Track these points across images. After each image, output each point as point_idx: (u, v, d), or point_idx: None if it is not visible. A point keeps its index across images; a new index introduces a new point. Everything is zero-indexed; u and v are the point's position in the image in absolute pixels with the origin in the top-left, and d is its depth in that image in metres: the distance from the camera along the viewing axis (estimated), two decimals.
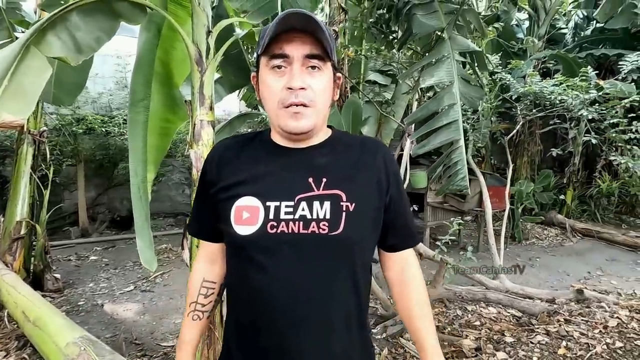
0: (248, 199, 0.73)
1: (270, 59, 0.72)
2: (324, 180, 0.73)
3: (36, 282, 3.30)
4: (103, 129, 5.58)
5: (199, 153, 1.69)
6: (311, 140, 0.78)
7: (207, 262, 0.89)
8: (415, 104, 4.23)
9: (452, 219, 3.11)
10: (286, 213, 0.71)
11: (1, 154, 5.32)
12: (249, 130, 7.47)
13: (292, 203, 0.72)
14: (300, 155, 0.77)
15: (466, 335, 2.50)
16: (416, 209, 3.78)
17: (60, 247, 4.78)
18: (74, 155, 5.50)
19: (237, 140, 0.85)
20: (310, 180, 0.73)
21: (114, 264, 4.26)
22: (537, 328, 2.54)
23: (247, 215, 0.72)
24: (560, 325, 2.55)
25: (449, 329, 2.60)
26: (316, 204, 0.72)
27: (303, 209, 0.71)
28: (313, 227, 0.70)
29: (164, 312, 2.98)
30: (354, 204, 0.72)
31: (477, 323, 2.69)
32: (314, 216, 0.71)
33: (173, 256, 4.52)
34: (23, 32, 3.26)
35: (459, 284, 3.16)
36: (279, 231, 0.70)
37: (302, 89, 0.70)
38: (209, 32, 1.74)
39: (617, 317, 2.59)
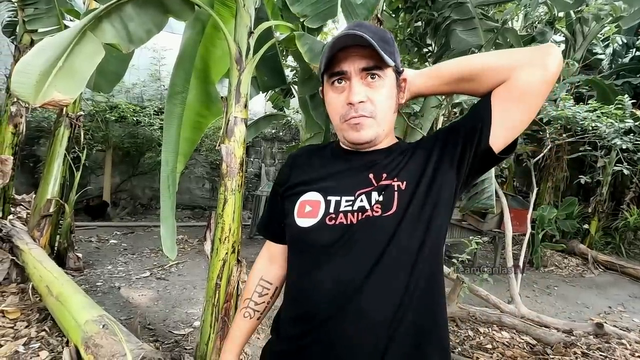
0: (312, 194, 0.77)
1: (330, 76, 0.76)
2: (384, 175, 0.75)
3: (59, 259, 3.43)
4: (134, 118, 5.77)
5: (230, 149, 1.74)
6: (375, 147, 0.80)
7: (267, 261, 0.93)
8: (441, 118, 4.20)
9: (470, 237, 3.06)
10: (345, 206, 0.73)
11: (37, 134, 5.58)
12: (273, 131, 7.58)
13: (352, 198, 0.74)
14: (363, 157, 0.79)
15: (477, 358, 2.44)
16: None
17: (83, 228, 4.95)
18: (104, 141, 5.71)
19: (311, 148, 0.92)
20: (371, 176, 0.75)
21: (132, 249, 4.37)
22: (552, 358, 2.46)
23: (309, 208, 0.75)
24: (577, 358, 2.46)
25: (460, 349, 2.55)
26: (374, 194, 0.73)
27: (362, 200, 0.73)
28: (367, 212, 0.71)
29: (176, 301, 3.04)
30: (404, 182, 0.73)
31: (489, 346, 2.62)
32: (372, 204, 0.72)
33: (189, 247, 4.61)
34: (71, 20, 3.43)
35: (473, 305, 3.10)
36: (337, 223, 0.72)
37: (361, 102, 0.73)
38: (250, 33, 1.80)
39: (639, 357, 2.48)
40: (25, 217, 3.84)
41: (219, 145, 1.78)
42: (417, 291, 0.70)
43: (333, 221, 0.72)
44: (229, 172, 1.74)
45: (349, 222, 0.71)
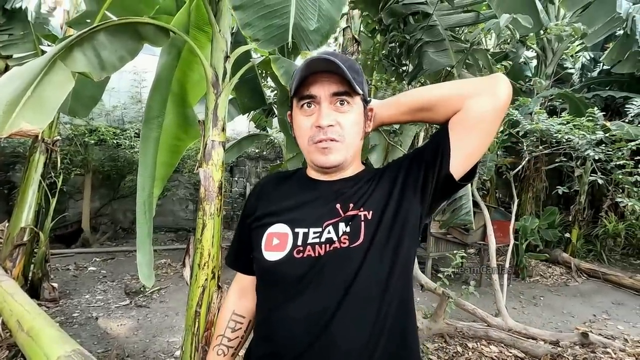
0: (279, 226, 0.76)
1: (299, 100, 0.76)
2: (351, 205, 0.75)
3: (33, 290, 3.28)
4: (114, 141, 5.68)
5: (208, 172, 1.72)
6: (343, 173, 0.80)
7: (238, 295, 0.90)
8: (422, 134, 4.28)
9: (455, 251, 3.08)
10: (313, 238, 0.72)
11: (12, 160, 5.42)
12: (257, 150, 7.57)
13: (319, 229, 0.73)
14: (330, 186, 0.79)
15: None
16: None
17: (60, 255, 4.77)
18: (83, 165, 5.58)
19: (278, 175, 0.91)
20: (338, 206, 0.75)
21: (112, 276, 4.22)
22: None
23: (276, 241, 0.74)
24: None
25: None
26: (341, 225, 0.72)
27: (329, 232, 0.72)
28: (335, 244, 0.71)
29: (157, 330, 2.92)
30: (371, 212, 0.73)
31: None
32: (339, 235, 0.71)
33: (171, 272, 4.48)
34: (49, 45, 3.40)
35: (460, 319, 3.08)
36: (305, 255, 0.71)
37: (330, 126, 0.73)
38: (226, 57, 1.81)
39: None
40: None
41: (197, 169, 1.76)
42: (389, 318, 0.69)
43: (301, 254, 0.71)
44: (207, 196, 1.72)
45: (317, 254, 0.71)
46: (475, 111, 0.71)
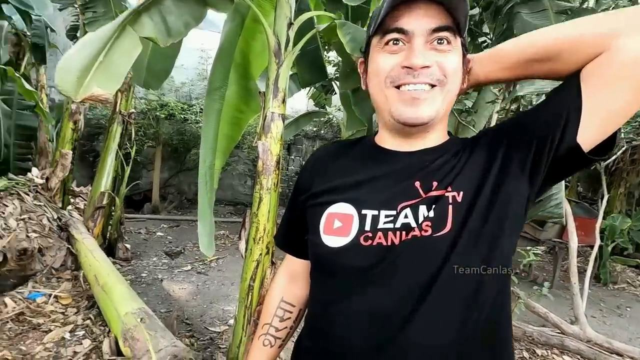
0: (342, 206, 0.62)
1: (383, 35, 0.59)
2: (435, 183, 0.59)
3: (109, 249, 3.62)
4: (182, 116, 6.00)
5: (267, 145, 1.66)
6: (424, 140, 0.63)
7: (287, 280, 0.80)
8: (495, 116, 3.86)
9: (527, 247, 2.76)
10: (385, 223, 0.58)
11: (96, 131, 5.99)
12: (314, 129, 7.53)
13: (393, 212, 0.58)
14: (407, 159, 0.63)
15: None
16: None
17: (134, 219, 5.23)
18: (155, 138, 6.00)
19: (337, 145, 0.75)
20: (417, 184, 0.60)
21: (176, 242, 4.53)
22: None
23: (339, 224, 0.61)
24: None
25: None
26: (422, 208, 0.57)
27: (406, 216, 0.57)
28: (414, 231, 0.56)
29: (214, 297, 3.06)
30: (461, 193, 0.57)
31: None
32: (419, 221, 0.57)
33: (229, 243, 4.69)
34: None
35: (529, 322, 2.79)
36: (374, 243, 0.58)
37: (426, 67, 0.56)
38: (290, 24, 1.71)
39: None
40: (82, 208, 4.12)
41: (256, 142, 1.71)
42: (478, 327, 0.55)
43: (369, 241, 0.58)
44: (264, 169, 1.67)
45: (389, 242, 0.57)
46: (630, 53, 0.49)
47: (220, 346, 2.29)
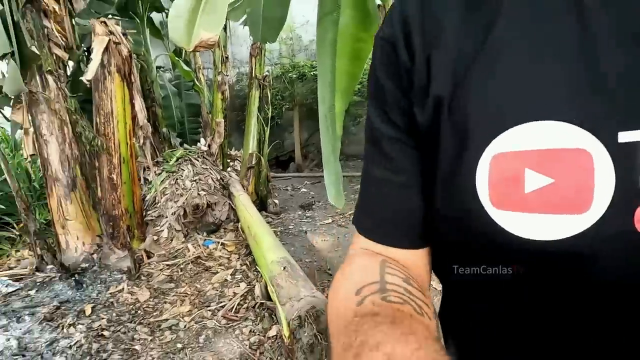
0: (550, 130, 0.26)
1: None
2: None
3: (262, 204, 4.02)
4: (312, 74, 6.05)
5: None
6: None
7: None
8: None
9: None
10: None
11: (246, 101, 6.70)
12: None
13: None
14: None
15: None
16: None
17: (281, 178, 5.72)
18: (291, 100, 6.28)
19: None
20: None
21: (318, 197, 4.72)
22: None
23: (546, 181, 0.25)
24: None
25: None
26: None
27: None
28: None
29: None
30: None
31: None
32: None
33: None
34: None
35: None
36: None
37: None
38: None
39: None
40: (238, 169, 4.69)
41: None
42: None
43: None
44: None
45: None
46: None
47: None
